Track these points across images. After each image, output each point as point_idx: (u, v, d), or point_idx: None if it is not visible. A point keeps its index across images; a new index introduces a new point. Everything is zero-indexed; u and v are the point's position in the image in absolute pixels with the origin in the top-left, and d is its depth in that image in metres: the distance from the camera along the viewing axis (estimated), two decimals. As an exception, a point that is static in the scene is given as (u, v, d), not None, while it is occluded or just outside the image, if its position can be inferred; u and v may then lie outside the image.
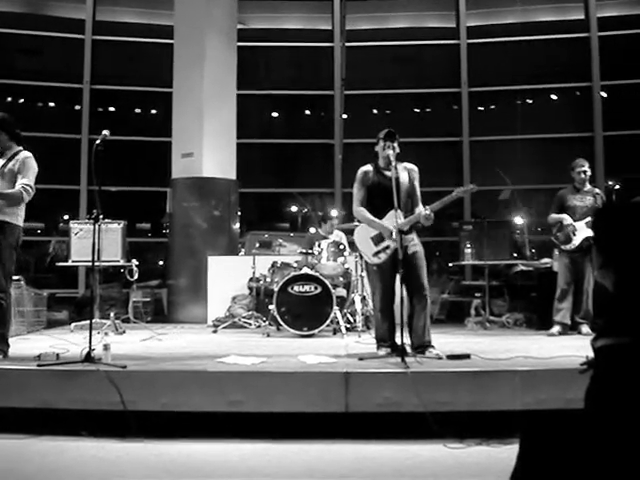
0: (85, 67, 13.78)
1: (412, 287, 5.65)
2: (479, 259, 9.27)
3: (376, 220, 5.78)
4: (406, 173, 5.90)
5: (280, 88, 14.42)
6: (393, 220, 5.58)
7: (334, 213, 9.53)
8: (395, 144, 5.81)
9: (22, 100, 14.17)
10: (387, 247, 5.72)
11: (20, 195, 5.71)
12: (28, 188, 5.74)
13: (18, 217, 5.82)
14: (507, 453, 3.72)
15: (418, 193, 5.93)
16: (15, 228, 5.78)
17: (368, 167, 5.98)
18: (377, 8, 14.53)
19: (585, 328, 7.66)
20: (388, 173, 5.74)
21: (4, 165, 5.76)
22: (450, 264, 11.59)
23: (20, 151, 5.89)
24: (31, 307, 8.53)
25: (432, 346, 5.67)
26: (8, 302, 5.79)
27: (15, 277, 8.09)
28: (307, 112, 14.99)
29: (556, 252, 8.07)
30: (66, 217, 13.51)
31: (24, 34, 13.81)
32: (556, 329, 7.68)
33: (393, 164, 5.67)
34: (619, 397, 2.18)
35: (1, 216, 5.63)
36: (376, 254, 5.78)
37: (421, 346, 5.64)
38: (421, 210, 5.70)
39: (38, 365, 5.04)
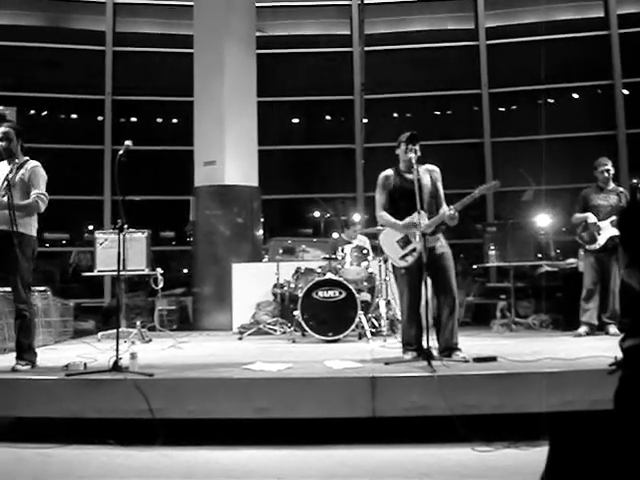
0: (106, 78, 13.90)
1: (440, 289, 5.65)
2: (503, 261, 9.21)
3: (398, 222, 5.78)
4: (428, 175, 5.89)
5: (300, 94, 14.45)
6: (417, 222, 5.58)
7: (357, 218, 9.51)
8: (417, 147, 5.80)
9: (45, 112, 14.32)
10: (413, 250, 5.70)
11: (36, 205, 5.74)
12: (43, 197, 5.77)
13: (32, 228, 5.87)
14: (535, 455, 3.68)
15: (442, 194, 5.91)
16: (30, 239, 5.82)
17: (389, 171, 5.98)
18: (395, 12, 14.52)
19: (612, 328, 7.58)
20: (410, 176, 5.74)
21: (14, 175, 5.74)
22: (474, 266, 11.53)
23: (27, 161, 5.90)
24: (58, 317, 8.60)
25: (458, 349, 5.64)
26: (31, 312, 5.86)
27: (41, 288, 8.23)
28: (327, 117, 15.01)
29: (581, 252, 8.01)
30: (91, 227, 13.62)
31: (45, 47, 13.97)
32: (583, 330, 7.61)
33: (415, 167, 5.66)
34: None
35: (16, 228, 5.59)
36: (403, 257, 5.77)
37: (448, 349, 5.62)
38: (445, 210, 5.68)
39: (66, 375, 5.08)
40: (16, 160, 5.85)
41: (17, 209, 5.59)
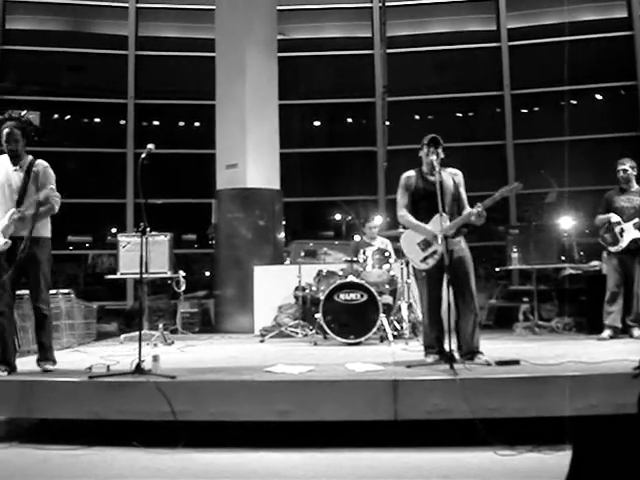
0: (129, 82, 14.00)
1: (459, 293, 5.61)
2: (526, 263, 9.15)
3: (420, 224, 5.75)
4: (451, 178, 5.85)
5: (321, 97, 14.47)
6: (438, 225, 5.57)
7: (377, 220, 9.48)
8: (439, 150, 5.77)
9: (68, 116, 14.45)
10: (434, 252, 5.65)
11: (53, 208, 5.77)
12: (57, 199, 5.78)
13: (48, 230, 5.90)
14: (559, 459, 3.67)
15: (464, 198, 5.87)
16: (47, 241, 5.87)
17: (411, 172, 5.96)
18: (416, 13, 14.50)
19: (637, 331, 7.51)
20: (432, 178, 5.70)
21: (26, 176, 5.70)
22: (497, 269, 11.47)
23: (34, 161, 5.82)
24: (81, 319, 8.66)
25: (481, 352, 5.61)
26: (51, 313, 5.94)
27: (65, 290, 8.30)
28: (349, 120, 15.01)
29: (604, 254, 7.92)
30: (114, 230, 13.71)
31: (69, 52, 14.10)
32: (607, 333, 7.54)
33: (437, 169, 5.64)
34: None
35: (35, 232, 5.62)
36: (424, 260, 5.73)
37: (470, 352, 5.59)
38: (469, 210, 5.66)
39: (89, 377, 5.11)
40: (21, 161, 5.78)
41: (38, 217, 5.62)
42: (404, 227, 6.09)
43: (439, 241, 5.56)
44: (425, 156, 5.84)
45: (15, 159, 5.77)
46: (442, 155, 5.78)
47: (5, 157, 5.81)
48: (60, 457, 4.58)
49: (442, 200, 5.51)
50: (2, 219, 5.60)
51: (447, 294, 5.36)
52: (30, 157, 5.83)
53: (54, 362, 5.77)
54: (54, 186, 5.80)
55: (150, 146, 5.76)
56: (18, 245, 5.53)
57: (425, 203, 5.74)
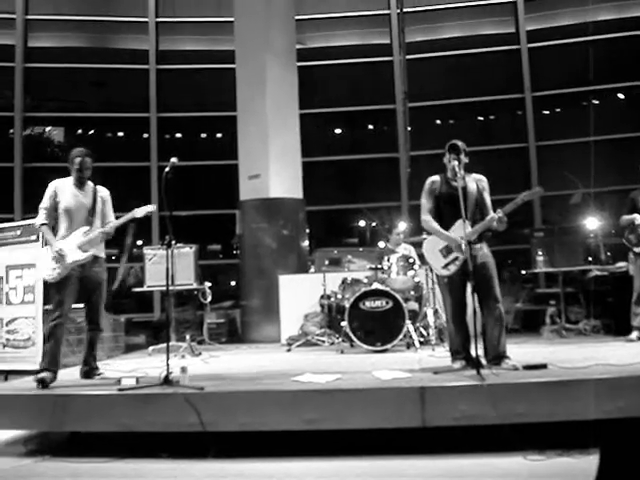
0: (151, 96, 14.15)
1: (483, 298, 5.58)
2: (552, 266, 9.11)
3: (443, 231, 5.74)
4: (474, 184, 5.84)
5: (342, 105, 14.51)
6: (461, 231, 5.58)
7: (401, 226, 9.48)
8: (461, 156, 5.78)
9: (92, 131, 14.61)
10: (456, 258, 5.65)
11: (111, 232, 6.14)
12: (114, 227, 6.09)
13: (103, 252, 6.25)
14: (588, 464, 3.64)
15: (488, 203, 5.85)
16: (104, 261, 6.22)
17: (436, 177, 5.96)
18: (434, 19, 14.51)
19: (665, 332, 7.45)
20: (455, 183, 5.68)
21: (93, 202, 6.10)
22: (523, 272, 11.42)
23: (96, 187, 6.22)
24: (110, 332, 8.74)
25: (507, 357, 5.58)
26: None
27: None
28: (370, 127, 15.03)
29: (631, 255, 7.86)
30: (140, 243, 13.82)
31: (91, 67, 14.28)
32: (635, 334, 7.49)
33: (459, 175, 5.64)
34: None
35: (97, 252, 6.06)
36: (445, 266, 5.72)
37: (496, 357, 5.56)
38: (492, 215, 5.65)
39: (119, 390, 5.16)
40: (86, 185, 6.15)
41: (106, 237, 6.07)
42: (428, 233, 6.09)
43: (463, 248, 5.55)
44: (447, 162, 5.84)
45: (82, 185, 6.11)
46: (465, 160, 5.79)
47: (65, 181, 6.13)
48: (91, 470, 4.62)
49: (465, 206, 5.49)
50: (76, 236, 5.94)
51: (472, 300, 5.34)
52: (91, 183, 6.21)
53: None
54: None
55: (173, 160, 5.83)
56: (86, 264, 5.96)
57: (449, 208, 5.74)
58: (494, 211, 5.72)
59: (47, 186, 6.07)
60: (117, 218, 6.20)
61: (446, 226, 5.76)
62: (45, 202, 6.05)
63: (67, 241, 5.91)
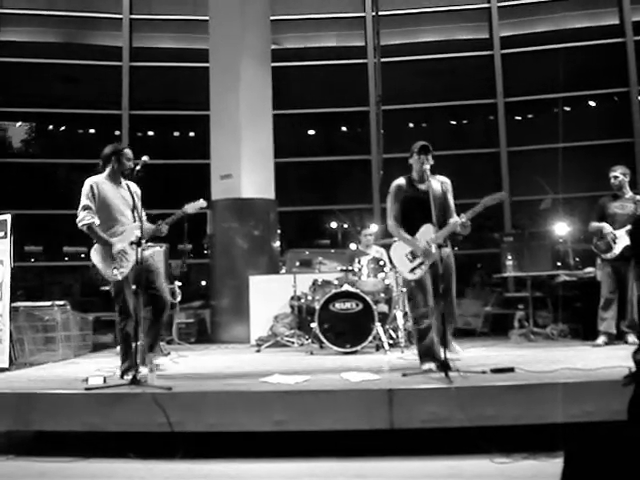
0: (123, 93, 14.04)
1: (443, 295, 5.61)
2: (521, 270, 9.18)
3: (408, 237, 5.81)
4: (439, 185, 5.90)
5: (316, 106, 14.51)
6: (427, 234, 5.68)
7: (371, 228, 9.51)
8: (429, 157, 5.80)
9: (63, 127, 14.47)
10: (422, 263, 5.72)
11: None
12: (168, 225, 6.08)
13: None
14: (555, 467, 3.65)
15: (452, 206, 5.91)
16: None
17: (401, 180, 5.97)
18: (409, 22, 14.57)
19: (632, 337, 7.50)
20: (422, 186, 5.78)
21: (132, 197, 6.00)
22: (492, 276, 11.49)
23: (128, 183, 6.10)
24: (77, 331, 8.65)
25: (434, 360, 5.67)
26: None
27: (61, 302, 8.30)
28: (343, 129, 15.06)
29: (598, 261, 7.94)
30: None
31: (63, 63, 14.14)
32: (602, 339, 7.57)
33: (427, 177, 5.67)
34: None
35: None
36: (412, 270, 5.77)
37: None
38: (456, 219, 5.70)
39: (85, 389, 5.11)
40: (120, 181, 6.04)
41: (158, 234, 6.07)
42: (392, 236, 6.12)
43: (433, 251, 5.62)
44: (416, 163, 5.86)
45: (118, 180, 6.05)
46: (431, 162, 5.79)
47: (100, 178, 5.99)
48: (57, 469, 4.58)
49: (434, 209, 5.53)
50: (130, 234, 5.80)
51: (441, 303, 5.38)
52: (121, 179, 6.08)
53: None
54: None
55: (144, 158, 5.82)
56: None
57: (414, 211, 5.80)
58: (457, 214, 5.77)
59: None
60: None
61: (413, 229, 5.81)
62: (86, 201, 5.80)
63: (122, 239, 5.78)
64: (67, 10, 14.36)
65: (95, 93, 14.41)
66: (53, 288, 13.52)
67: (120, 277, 5.74)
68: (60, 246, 13.80)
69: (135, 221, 5.88)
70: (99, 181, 5.92)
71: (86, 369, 6.46)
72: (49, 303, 8.17)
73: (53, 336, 7.87)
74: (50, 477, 4.45)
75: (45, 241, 13.94)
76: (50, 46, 14.35)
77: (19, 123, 14.57)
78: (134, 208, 5.94)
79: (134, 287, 5.76)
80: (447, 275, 5.72)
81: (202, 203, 6.08)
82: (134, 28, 14.37)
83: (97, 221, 5.76)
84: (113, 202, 5.84)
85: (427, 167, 5.72)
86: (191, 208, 5.95)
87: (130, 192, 5.99)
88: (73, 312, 8.60)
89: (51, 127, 14.53)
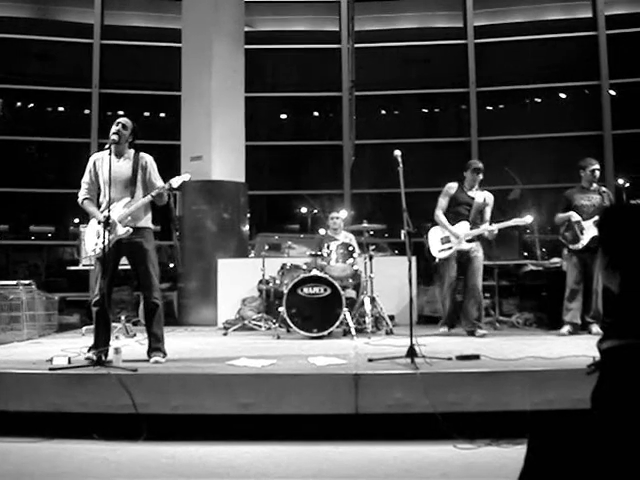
0: (94, 71, 13.88)
1: (469, 283, 7.66)
2: (488, 259, 9.22)
3: (450, 227, 7.61)
4: (482, 197, 7.70)
5: (288, 90, 14.47)
6: (462, 229, 7.58)
7: (341, 213, 9.51)
8: (480, 175, 7.71)
9: (32, 105, 14.26)
10: (450, 248, 7.61)
11: (167, 198, 5.88)
12: (149, 200, 5.77)
13: (151, 222, 5.94)
14: (517, 453, 3.69)
15: (487, 216, 7.72)
16: (151, 231, 5.94)
17: (455, 184, 7.78)
18: (384, 9, 14.56)
19: (595, 328, 7.60)
20: (470, 193, 7.70)
21: (134, 171, 5.79)
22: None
23: (137, 153, 5.93)
24: (43, 311, 8.57)
25: (481, 327, 7.64)
26: (162, 302, 6.04)
27: (26, 281, 8.21)
28: (315, 114, 15.02)
29: (565, 252, 8.02)
30: (76, 221, 13.57)
31: (33, 39, 13.93)
32: (566, 329, 7.65)
33: (475, 189, 7.73)
34: (624, 398, 2.19)
35: (142, 223, 5.78)
36: (440, 251, 7.66)
37: (472, 327, 7.63)
38: (486, 225, 7.62)
39: (50, 369, 5.06)
40: (124, 154, 5.86)
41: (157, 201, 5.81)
42: (435, 223, 7.80)
43: (462, 241, 7.56)
44: (469, 177, 7.74)
45: (120, 153, 5.85)
46: (481, 177, 7.73)
47: (104, 153, 5.79)
48: (19, 450, 4.53)
49: (471, 212, 7.61)
50: (117, 209, 5.67)
51: (409, 290, 5.42)
52: (132, 150, 5.93)
53: (165, 354, 5.79)
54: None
55: (113, 137, 5.74)
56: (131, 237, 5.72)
57: (457, 211, 7.68)
58: (490, 223, 7.65)
59: None
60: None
61: (452, 222, 7.64)
62: (85, 176, 5.83)
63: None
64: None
65: (65, 70, 14.23)
66: (18, 267, 13.38)
67: (92, 254, 5.76)
68: (27, 225, 13.66)
69: (133, 196, 5.74)
70: (100, 156, 5.87)
71: (51, 349, 6.39)
72: (14, 282, 8.08)
73: (18, 315, 7.79)
74: (13, 457, 4.41)
75: (11, 219, 13.78)
76: (20, 22, 14.11)
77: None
78: (135, 181, 5.78)
79: (102, 266, 5.67)
80: (472, 267, 7.60)
81: (187, 176, 5.96)
82: (106, 5, 14.18)
83: (87, 195, 5.80)
84: (105, 175, 5.69)
85: (476, 183, 7.72)
86: (175, 181, 5.80)
87: (135, 165, 5.82)
88: (39, 292, 8.52)
89: (19, 104, 14.31)
